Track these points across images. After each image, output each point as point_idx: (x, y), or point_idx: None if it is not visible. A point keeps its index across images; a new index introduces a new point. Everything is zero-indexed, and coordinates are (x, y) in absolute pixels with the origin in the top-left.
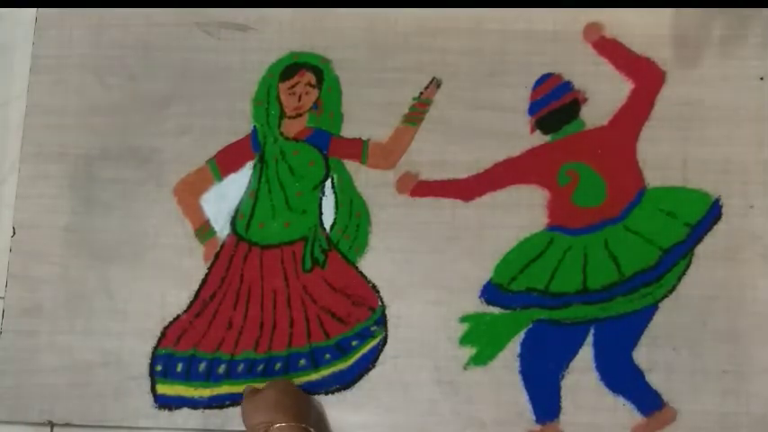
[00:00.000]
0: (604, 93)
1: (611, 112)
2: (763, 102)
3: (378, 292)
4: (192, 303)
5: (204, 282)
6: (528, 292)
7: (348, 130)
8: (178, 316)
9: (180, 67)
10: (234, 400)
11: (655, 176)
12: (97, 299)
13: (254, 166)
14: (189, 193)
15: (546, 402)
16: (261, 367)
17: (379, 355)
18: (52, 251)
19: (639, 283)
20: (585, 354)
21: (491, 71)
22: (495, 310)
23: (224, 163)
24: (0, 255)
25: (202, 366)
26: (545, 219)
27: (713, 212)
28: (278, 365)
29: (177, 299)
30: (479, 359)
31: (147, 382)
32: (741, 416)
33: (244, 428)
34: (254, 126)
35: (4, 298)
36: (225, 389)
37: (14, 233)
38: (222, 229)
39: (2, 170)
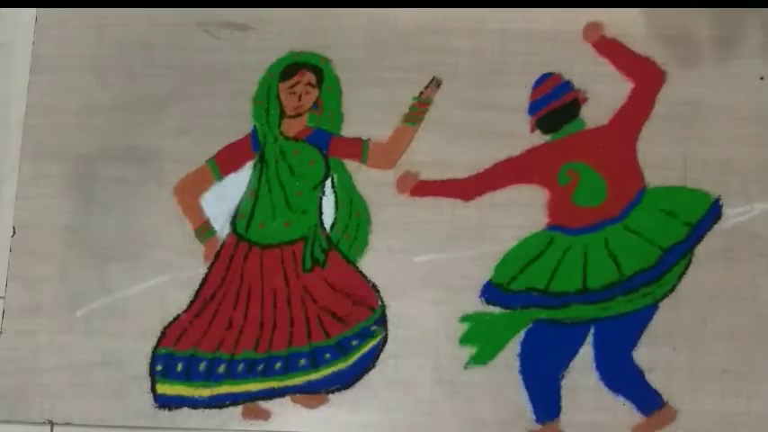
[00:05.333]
0: (604, 93)
1: (611, 111)
2: (763, 102)
3: (378, 291)
4: (192, 303)
5: (204, 282)
6: (528, 292)
7: (348, 130)
8: (178, 316)
9: (180, 66)
10: (234, 400)
11: (655, 176)
12: (97, 299)
13: (254, 165)
14: (189, 192)
15: (546, 402)
16: (261, 367)
17: (379, 354)
18: (52, 251)
19: (639, 283)
20: (585, 354)
21: (491, 71)
22: (496, 310)
23: (224, 162)
24: (0, 255)
25: (202, 366)
26: (545, 218)
27: (713, 212)
28: (278, 365)
29: (177, 299)
30: (479, 359)
31: (147, 382)
32: (741, 416)
33: (244, 428)
34: (254, 126)
35: (4, 298)
36: (225, 388)
37: (14, 233)
38: (222, 228)
39: (2, 170)
